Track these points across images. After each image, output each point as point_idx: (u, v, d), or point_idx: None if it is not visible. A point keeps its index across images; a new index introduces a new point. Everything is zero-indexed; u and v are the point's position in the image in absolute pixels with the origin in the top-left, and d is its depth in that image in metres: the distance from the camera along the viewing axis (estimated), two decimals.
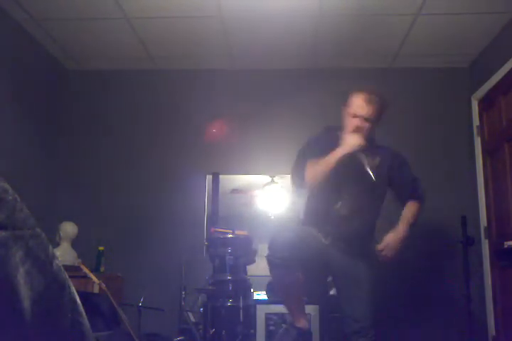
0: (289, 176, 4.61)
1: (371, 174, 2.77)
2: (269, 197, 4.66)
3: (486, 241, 4.18)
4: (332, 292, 3.33)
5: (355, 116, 2.81)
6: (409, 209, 2.93)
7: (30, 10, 3.83)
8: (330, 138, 2.91)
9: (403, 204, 2.97)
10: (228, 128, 4.66)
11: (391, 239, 2.81)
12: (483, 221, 4.23)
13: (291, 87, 4.73)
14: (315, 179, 2.82)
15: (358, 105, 2.80)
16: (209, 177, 4.52)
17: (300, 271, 2.75)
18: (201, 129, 4.66)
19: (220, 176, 4.48)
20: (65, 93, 4.82)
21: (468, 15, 3.84)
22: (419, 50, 4.40)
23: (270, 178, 4.66)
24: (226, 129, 4.66)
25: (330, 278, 3.27)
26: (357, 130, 2.78)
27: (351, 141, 2.76)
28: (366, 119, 2.79)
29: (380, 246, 2.80)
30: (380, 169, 2.90)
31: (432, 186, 4.28)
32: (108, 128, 4.77)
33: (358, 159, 2.78)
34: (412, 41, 4.23)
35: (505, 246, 3.49)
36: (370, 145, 2.93)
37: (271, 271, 2.81)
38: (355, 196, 2.86)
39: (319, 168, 2.78)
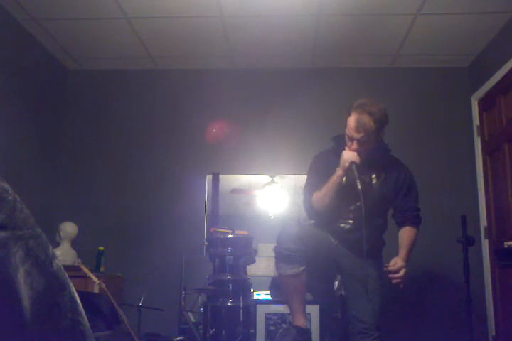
0: (289, 176, 4.65)
1: (359, 190, 2.73)
2: (269, 197, 4.66)
3: (486, 241, 4.18)
4: (339, 292, 3.32)
5: (349, 138, 2.78)
6: (409, 236, 2.86)
7: (30, 10, 3.84)
8: (334, 154, 2.90)
9: (400, 225, 2.92)
10: (228, 128, 4.66)
11: (398, 263, 2.74)
12: (483, 221, 4.23)
13: (291, 87, 4.74)
14: (323, 204, 2.83)
15: (351, 127, 2.73)
16: (209, 177, 4.52)
17: (305, 266, 2.75)
18: (201, 129, 4.66)
19: (220, 176, 4.48)
20: (65, 93, 4.82)
21: (468, 15, 3.84)
22: (419, 50, 4.40)
23: (270, 178, 4.66)
24: (226, 129, 4.66)
25: (338, 278, 3.27)
26: (353, 150, 2.78)
27: (345, 157, 2.76)
28: (360, 141, 2.75)
29: (389, 267, 2.74)
30: (384, 185, 2.88)
31: (432, 186, 4.30)
32: (108, 128, 4.77)
33: (354, 176, 2.75)
34: (412, 41, 4.23)
35: (505, 246, 3.49)
36: (381, 159, 2.92)
37: (276, 263, 2.82)
38: (357, 211, 2.84)
39: (323, 194, 2.80)
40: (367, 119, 2.70)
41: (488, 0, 3.61)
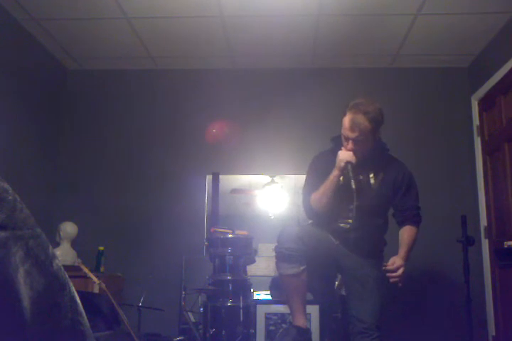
0: (289, 176, 4.65)
1: (354, 189, 2.73)
2: (269, 197, 4.66)
3: (486, 240, 4.18)
4: (339, 292, 3.33)
5: (345, 138, 2.78)
6: (409, 234, 2.87)
7: (30, 10, 3.84)
8: (333, 154, 2.90)
9: (400, 224, 2.92)
10: (228, 128, 4.66)
11: (397, 262, 2.76)
12: (483, 221, 4.24)
13: (291, 87, 4.74)
14: (321, 205, 2.84)
15: (346, 127, 2.74)
16: (209, 177, 4.52)
17: (305, 265, 2.75)
18: (201, 129, 4.66)
19: (220, 176, 4.48)
20: (65, 93, 4.82)
21: (468, 15, 3.84)
22: (419, 50, 4.40)
23: (270, 178, 4.66)
24: (226, 129, 4.66)
25: (338, 278, 3.27)
26: (349, 150, 2.78)
27: (341, 157, 2.77)
28: (355, 141, 2.75)
29: (388, 266, 2.75)
30: (383, 184, 2.88)
31: (432, 186, 4.30)
32: (108, 128, 4.77)
33: (351, 176, 2.75)
34: (412, 41, 4.23)
35: (505, 246, 3.49)
36: (379, 158, 2.92)
37: (276, 263, 2.82)
38: (356, 211, 2.83)
39: (321, 193, 2.81)
40: (361, 119, 2.71)
41: (488, 0, 3.61)
